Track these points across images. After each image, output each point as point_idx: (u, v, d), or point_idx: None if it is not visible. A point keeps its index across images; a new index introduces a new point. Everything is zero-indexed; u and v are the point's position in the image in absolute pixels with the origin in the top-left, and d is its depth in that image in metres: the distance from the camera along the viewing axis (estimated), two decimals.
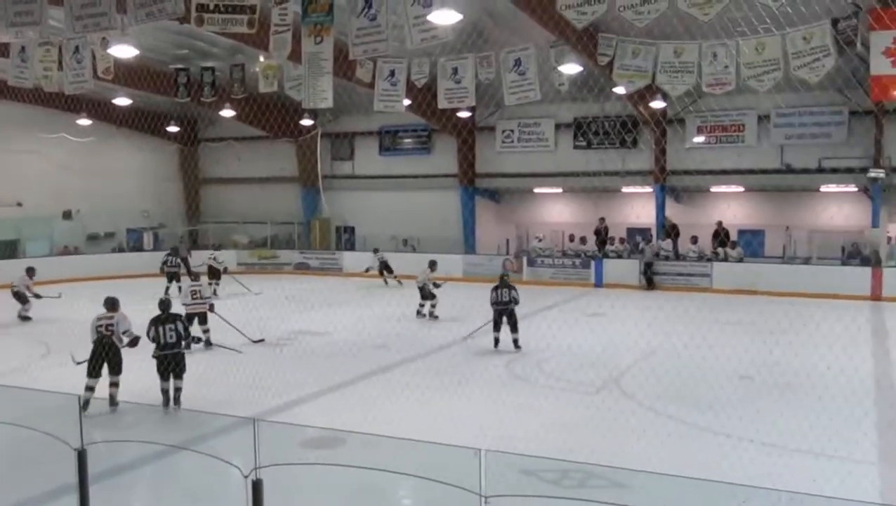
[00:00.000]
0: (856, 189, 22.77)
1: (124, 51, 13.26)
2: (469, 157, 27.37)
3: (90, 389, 9.79)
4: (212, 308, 13.88)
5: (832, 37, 11.70)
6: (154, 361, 9.89)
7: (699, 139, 24.16)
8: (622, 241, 25.03)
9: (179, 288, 20.58)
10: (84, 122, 25.38)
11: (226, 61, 21.30)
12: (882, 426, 8.91)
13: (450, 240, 26.58)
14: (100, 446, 6.26)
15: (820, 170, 22.71)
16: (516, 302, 13.66)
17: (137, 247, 28.63)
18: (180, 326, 10.23)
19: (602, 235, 24.92)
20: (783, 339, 12.51)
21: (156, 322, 10.17)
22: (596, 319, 16.43)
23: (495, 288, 13.81)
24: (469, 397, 10.15)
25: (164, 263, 21.68)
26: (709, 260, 22.90)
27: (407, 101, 15.95)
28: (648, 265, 22.77)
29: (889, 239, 22.72)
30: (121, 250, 28.09)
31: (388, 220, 27.62)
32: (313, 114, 26.15)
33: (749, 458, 7.58)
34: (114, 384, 9.91)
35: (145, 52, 17.88)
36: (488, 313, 13.73)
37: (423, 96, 18.60)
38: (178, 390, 10.07)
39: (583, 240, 24.96)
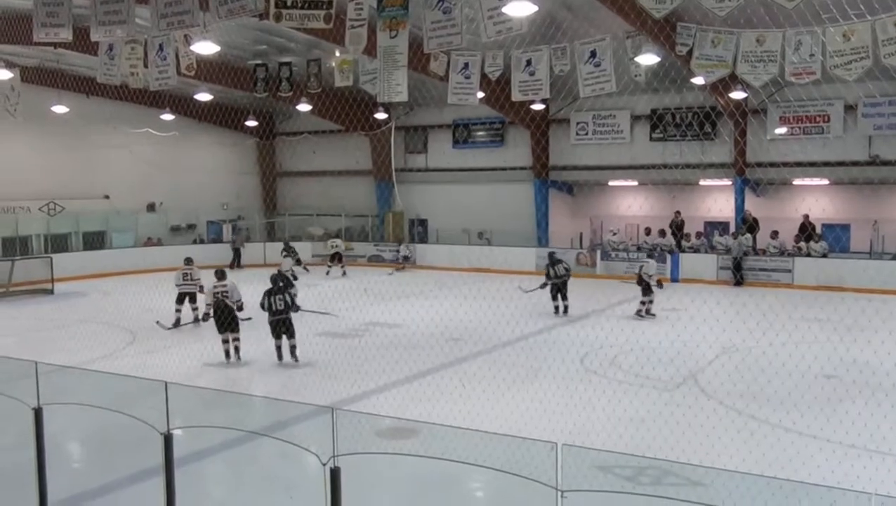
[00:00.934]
0: None
1: (206, 47, 13.60)
2: (543, 149, 27.14)
3: (225, 341, 12.15)
4: (201, 289, 14.99)
5: None
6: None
7: (782, 130, 23.36)
8: (699, 235, 24.45)
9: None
10: (167, 117, 26.19)
11: (302, 56, 21.64)
12: None
13: (523, 233, 26.45)
14: (184, 431, 6.45)
15: None
16: (569, 273, 16.90)
17: (217, 238, 29.43)
18: (288, 297, 12.10)
19: (674, 229, 24.37)
20: (875, 337, 12.00)
21: (268, 294, 12.03)
22: (674, 315, 16.11)
23: (550, 265, 16.71)
24: (544, 391, 10.09)
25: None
26: (790, 255, 22.17)
27: (481, 94, 15.91)
28: (736, 260, 22.10)
29: None
30: (201, 242, 28.91)
31: (461, 213, 27.65)
32: (387, 107, 26.34)
33: (836, 460, 7.32)
34: (235, 339, 12.21)
35: (225, 48, 18.31)
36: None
37: (497, 89, 18.53)
38: (292, 347, 11.97)
39: (661, 233, 24.35)
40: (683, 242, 24.03)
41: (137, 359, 12.11)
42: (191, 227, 29.71)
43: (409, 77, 12.39)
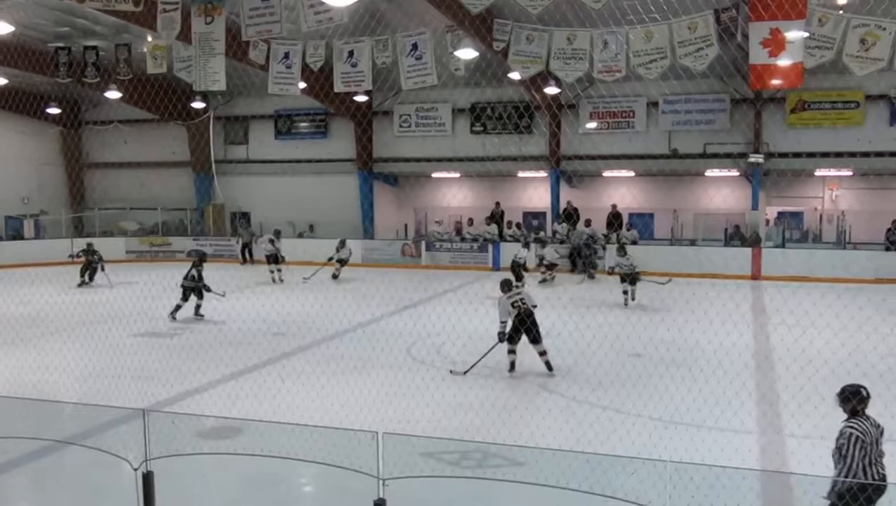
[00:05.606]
0: (737, 173, 23.90)
1: None
2: (367, 141, 27.20)
3: None
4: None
5: (715, 27, 12.26)
6: None
7: (592, 125, 24.78)
8: (519, 225, 25.45)
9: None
10: None
11: (110, 40, 20.41)
12: (759, 398, 9.45)
13: (348, 225, 26.37)
14: None
15: (704, 155, 23.72)
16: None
17: (16, 235, 27.11)
18: (196, 272, 15.02)
19: (497, 220, 25.24)
20: (668, 317, 13.07)
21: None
22: (493, 303, 16.65)
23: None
24: (368, 383, 10.15)
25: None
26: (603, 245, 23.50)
27: (302, 85, 15.73)
28: (578, 251, 22.88)
29: (767, 221, 24.01)
30: None
31: (285, 205, 27.12)
32: (205, 96, 25.34)
33: (637, 432, 7.90)
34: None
35: (22, 28, 16.94)
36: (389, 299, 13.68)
37: (319, 80, 18.36)
38: (197, 306, 14.96)
39: (493, 217, 25.02)
40: (506, 231, 24.91)
41: None
42: None
43: (227, 65, 12.01)
